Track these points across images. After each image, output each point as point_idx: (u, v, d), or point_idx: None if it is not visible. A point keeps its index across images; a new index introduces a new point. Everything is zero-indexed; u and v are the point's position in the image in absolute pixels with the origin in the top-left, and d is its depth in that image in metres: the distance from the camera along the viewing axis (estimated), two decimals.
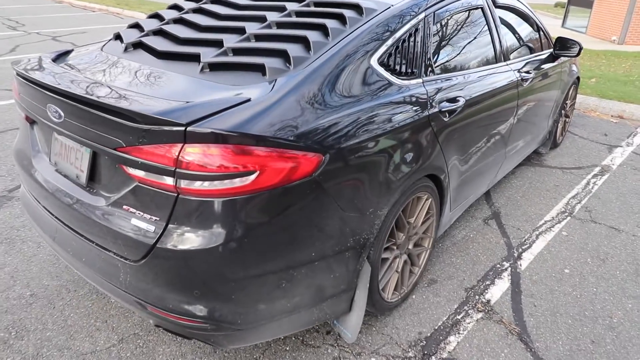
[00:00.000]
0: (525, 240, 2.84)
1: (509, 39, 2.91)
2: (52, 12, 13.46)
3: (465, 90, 2.30)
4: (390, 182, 1.83)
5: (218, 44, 1.86)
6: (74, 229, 1.71)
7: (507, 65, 2.81)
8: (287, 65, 1.68)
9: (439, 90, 2.12)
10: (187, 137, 1.37)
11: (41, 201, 1.87)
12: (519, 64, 2.96)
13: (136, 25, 2.25)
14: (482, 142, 2.55)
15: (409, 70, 2.01)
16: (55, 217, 1.79)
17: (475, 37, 2.56)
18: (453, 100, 2.19)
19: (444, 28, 2.28)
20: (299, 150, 1.49)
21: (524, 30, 3.25)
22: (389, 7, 2.00)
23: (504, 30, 2.83)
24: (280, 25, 1.93)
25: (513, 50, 2.98)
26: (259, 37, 1.86)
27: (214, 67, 1.73)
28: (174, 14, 2.27)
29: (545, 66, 3.35)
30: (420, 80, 2.05)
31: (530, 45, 3.29)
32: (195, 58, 1.79)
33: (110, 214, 1.57)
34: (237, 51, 1.79)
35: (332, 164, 1.57)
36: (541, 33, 3.47)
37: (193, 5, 2.31)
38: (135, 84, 1.65)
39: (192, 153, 1.37)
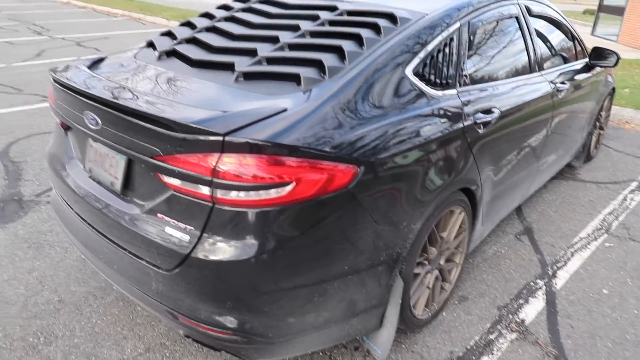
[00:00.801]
0: (560, 258, 2.74)
1: (543, 49, 2.84)
2: (75, 17, 13.79)
3: (499, 101, 2.24)
4: (424, 195, 1.78)
5: (252, 53, 1.84)
6: (107, 235, 1.70)
7: (541, 75, 2.74)
8: (322, 75, 1.65)
9: (473, 101, 2.06)
10: (224, 147, 1.34)
11: (74, 207, 1.87)
12: (553, 74, 2.88)
13: (168, 33, 2.25)
14: (515, 155, 2.48)
15: (444, 81, 1.96)
16: (88, 224, 1.79)
17: (509, 47, 2.49)
18: (488, 111, 2.13)
19: (479, 38, 2.22)
20: (335, 161, 1.45)
21: (559, 39, 3.17)
22: (424, 17, 1.96)
23: (538, 39, 2.76)
24: (314, 34, 1.91)
25: (548, 59, 2.90)
26: (293, 47, 1.84)
27: (249, 76, 1.71)
28: (206, 22, 2.27)
29: (581, 76, 3.26)
30: (454, 90, 2.00)
31: (565, 54, 3.21)
32: (230, 67, 1.78)
33: (144, 221, 1.55)
34: (271, 60, 1.77)
35: (367, 175, 1.53)
36: (576, 42, 3.38)
37: (225, 13, 2.31)
38: (171, 92, 1.64)
39: (229, 163, 1.35)
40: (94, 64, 2.05)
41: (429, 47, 1.89)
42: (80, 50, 8.56)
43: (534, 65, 2.68)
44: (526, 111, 2.47)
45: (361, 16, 1.98)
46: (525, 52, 2.61)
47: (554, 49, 3.06)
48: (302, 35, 1.90)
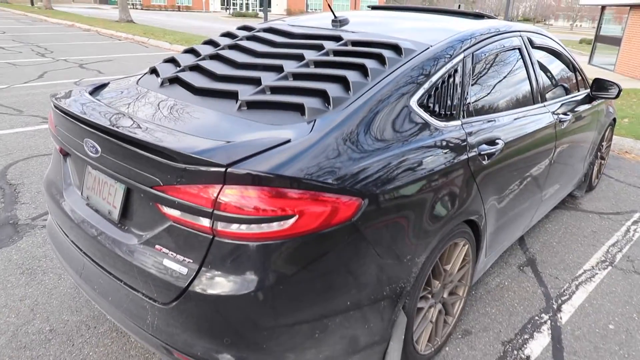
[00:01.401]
0: (564, 291, 2.69)
1: (545, 80, 2.85)
2: (80, 39, 13.96)
3: (503, 133, 2.23)
4: (429, 228, 1.74)
5: (255, 81, 1.83)
6: (102, 266, 1.65)
7: (544, 106, 2.74)
8: (327, 105, 1.64)
9: (477, 132, 2.05)
10: (226, 178, 1.32)
11: (69, 235, 1.82)
12: (556, 105, 2.89)
13: (172, 60, 2.25)
14: (519, 186, 2.45)
15: (448, 112, 1.95)
16: (83, 253, 1.74)
17: (512, 78, 2.50)
18: (492, 142, 2.11)
19: (483, 69, 2.23)
20: (339, 193, 1.43)
21: (560, 70, 3.18)
22: (428, 48, 1.96)
23: (540, 70, 2.77)
24: (318, 64, 1.90)
25: (550, 90, 2.91)
26: (297, 76, 1.83)
27: (252, 105, 1.69)
28: (210, 49, 2.27)
29: (582, 107, 3.27)
30: (458, 122, 1.98)
31: (567, 85, 3.22)
32: (233, 95, 1.77)
33: (141, 253, 1.51)
34: (275, 90, 1.76)
35: (371, 208, 1.50)
36: (577, 73, 3.40)
37: (229, 41, 2.31)
38: (173, 120, 1.62)
39: (231, 195, 1.32)
40: (96, 90, 2.04)
41: (433, 79, 1.89)
42: (83, 72, 8.63)
43: (537, 96, 2.68)
44: (529, 142, 2.46)
45: (366, 47, 1.98)
46: (528, 83, 2.61)
47: (556, 80, 3.08)
48: (306, 65, 1.90)
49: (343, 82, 1.74)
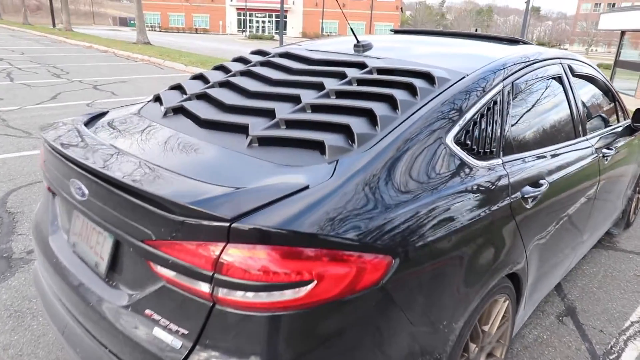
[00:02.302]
0: (611, 348, 2.38)
1: (586, 111, 2.59)
2: (96, 61, 14.06)
3: (547, 172, 1.98)
4: (469, 287, 1.49)
5: (269, 113, 1.62)
6: (85, 327, 1.42)
7: (586, 140, 2.48)
8: (351, 143, 1.41)
9: (519, 171, 1.80)
10: (231, 235, 1.08)
11: (54, 286, 1.60)
12: (598, 138, 2.63)
13: (178, 87, 2.06)
14: (561, 228, 2.18)
15: (487, 150, 1.70)
16: (67, 309, 1.51)
17: (554, 110, 2.26)
18: (535, 183, 1.86)
19: (523, 100, 1.99)
20: (365, 251, 1.18)
21: (601, 99, 2.93)
22: (464, 77, 1.73)
23: (581, 101, 2.53)
24: (340, 94, 1.68)
25: (591, 122, 2.65)
26: (316, 108, 1.61)
27: (264, 141, 1.47)
28: (220, 75, 2.07)
29: (623, 140, 3.00)
30: (499, 160, 1.74)
31: (607, 116, 2.97)
32: (243, 129, 1.55)
33: (129, 316, 1.28)
34: (291, 124, 1.54)
35: (403, 267, 1.26)
36: (617, 102, 3.15)
37: (241, 67, 2.11)
38: (172, 159, 1.40)
39: (236, 255, 1.08)
40: (92, 120, 1.85)
41: (471, 112, 1.65)
42: (97, 93, 8.57)
43: (579, 129, 2.43)
44: (574, 180, 2.20)
45: (393, 75, 1.76)
46: (570, 115, 2.36)
47: (597, 110, 2.83)
48: (327, 95, 1.68)
49: (369, 115, 1.51)
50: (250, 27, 59.34)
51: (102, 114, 1.97)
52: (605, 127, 2.85)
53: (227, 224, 1.08)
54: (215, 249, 1.09)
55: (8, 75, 10.27)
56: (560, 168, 2.08)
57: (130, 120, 1.81)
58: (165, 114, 1.81)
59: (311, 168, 1.33)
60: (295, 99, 1.68)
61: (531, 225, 1.84)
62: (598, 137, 2.64)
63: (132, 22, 55.35)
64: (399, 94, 1.59)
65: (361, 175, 1.29)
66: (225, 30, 60.18)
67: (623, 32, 14.62)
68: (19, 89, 8.62)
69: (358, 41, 2.16)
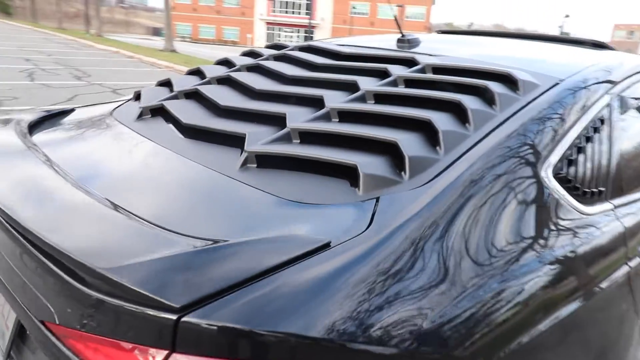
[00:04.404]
0: None
1: None
2: (120, 66, 13.95)
3: None
4: None
5: (277, 120, 1.12)
6: None
7: None
8: (399, 172, 0.91)
9: (637, 224, 1.25)
10: (178, 339, 0.58)
11: None
12: None
13: (166, 83, 1.59)
14: None
15: (594, 189, 1.17)
16: None
17: None
18: None
19: (631, 120, 1.45)
20: None
21: None
22: (558, 84, 1.21)
23: None
24: (381, 98, 1.18)
25: None
26: (345, 115, 1.11)
27: (265, 161, 0.98)
28: (222, 70, 1.59)
29: None
30: (609, 205, 1.20)
31: None
32: (238, 142, 1.05)
33: None
34: (307, 136, 1.04)
35: None
36: None
37: (249, 61, 1.63)
38: (121, 187, 0.92)
39: None
40: (43, 121, 1.38)
41: (573, 132, 1.13)
42: (114, 97, 8.29)
43: None
44: None
45: (457, 75, 1.24)
46: None
47: None
48: (362, 99, 1.17)
49: (425, 130, 1.00)
50: (278, 41, 59.70)
51: (65, 112, 1.51)
52: None
53: (173, 317, 0.58)
54: (151, 358, 0.59)
55: (30, 75, 10.13)
56: None
57: (94, 124, 1.35)
58: (140, 116, 1.34)
59: (335, 209, 0.82)
60: (316, 102, 1.18)
61: None
62: None
63: (163, 32, 56.40)
64: (469, 102, 1.07)
65: (417, 228, 0.78)
66: (253, 43, 60.75)
67: None
68: (37, 89, 8.41)
69: (403, 35, 1.66)
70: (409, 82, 1.23)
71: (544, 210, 0.99)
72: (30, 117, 1.34)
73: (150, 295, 0.58)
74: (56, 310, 0.69)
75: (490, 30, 2.59)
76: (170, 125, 1.23)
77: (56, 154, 1.05)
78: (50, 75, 10.40)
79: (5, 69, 10.55)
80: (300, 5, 57.72)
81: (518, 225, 0.91)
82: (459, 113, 1.06)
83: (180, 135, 1.17)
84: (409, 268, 0.72)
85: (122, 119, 1.36)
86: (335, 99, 1.16)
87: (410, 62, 1.36)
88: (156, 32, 65.24)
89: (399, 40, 1.65)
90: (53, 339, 0.69)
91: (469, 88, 1.15)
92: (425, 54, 1.46)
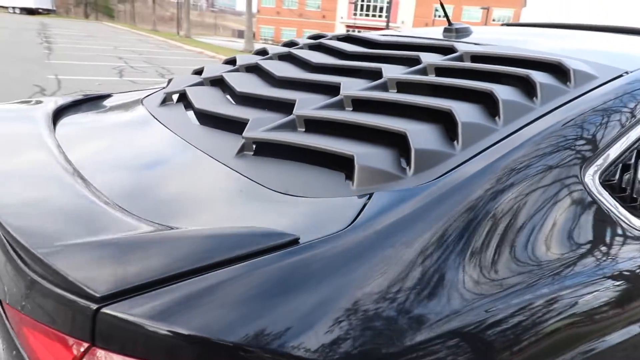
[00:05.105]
0: None
1: None
2: (202, 65, 14.63)
3: None
4: None
5: (286, 107, 1.04)
6: None
7: None
8: (404, 165, 0.79)
9: None
10: (97, 331, 0.52)
11: None
12: None
13: (199, 72, 1.57)
14: None
15: None
16: None
17: None
18: None
19: None
20: None
21: None
22: (621, 75, 1.02)
23: None
24: (404, 86, 1.06)
25: None
26: (359, 104, 1.00)
27: (263, 149, 0.91)
28: (256, 59, 1.55)
29: None
30: None
31: None
32: (240, 128, 0.99)
33: None
34: (313, 124, 0.95)
35: None
36: None
37: (283, 50, 1.56)
38: (105, 172, 0.89)
39: None
40: (75, 106, 1.41)
41: (634, 134, 0.94)
42: None
43: None
44: None
45: (497, 63, 1.09)
46: None
47: None
48: (383, 87, 1.06)
49: (445, 122, 0.88)
50: None
51: (100, 97, 1.54)
52: None
53: (92, 308, 0.51)
54: (67, 353, 0.54)
55: (120, 72, 10.93)
56: None
57: (117, 109, 1.36)
58: (164, 102, 1.33)
59: (320, 203, 0.73)
60: (332, 90, 1.08)
61: None
62: None
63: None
64: (503, 92, 0.92)
65: (407, 233, 0.66)
66: None
67: None
68: (123, 85, 9.03)
69: (450, 23, 1.51)
70: (441, 71, 1.10)
71: (586, 216, 0.83)
72: (62, 100, 1.38)
73: (73, 281, 0.52)
74: (7, 289, 0.66)
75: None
76: (185, 110, 1.20)
77: (61, 137, 1.05)
78: (138, 72, 11.15)
79: (100, 66, 11.46)
80: (382, 8, 57.24)
81: (545, 245, 0.76)
82: (489, 104, 0.91)
83: (193, 121, 1.14)
84: (382, 283, 0.60)
85: (148, 105, 1.35)
86: (353, 87, 1.06)
87: (448, 50, 1.22)
88: (241, 34, 68.09)
89: (445, 30, 1.52)
90: (4, 319, 0.67)
91: (506, 77, 1.00)
92: (470, 43, 1.31)
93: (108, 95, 1.56)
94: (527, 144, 0.82)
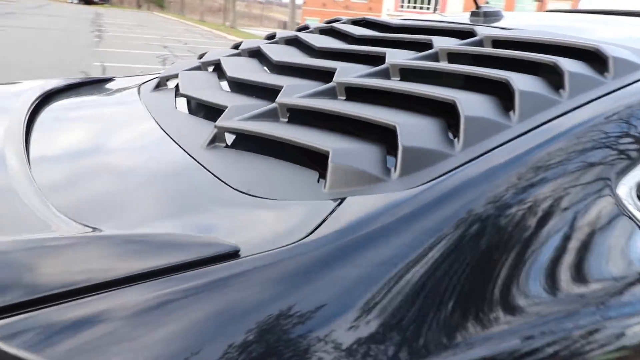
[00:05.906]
0: None
1: None
2: None
3: None
4: None
5: (270, 94, 0.92)
6: None
7: None
8: (389, 167, 0.66)
9: None
10: None
11: None
12: None
13: (203, 56, 1.48)
14: None
15: None
16: None
17: None
18: None
19: None
20: None
21: None
22: None
23: None
24: (408, 73, 0.91)
25: None
26: (353, 91, 0.87)
27: (237, 140, 0.80)
28: (260, 43, 1.44)
29: None
30: None
31: None
32: (216, 116, 0.88)
33: None
34: (297, 114, 0.83)
35: None
36: None
37: (292, 34, 1.45)
38: (57, 162, 0.80)
39: None
40: (76, 87, 1.34)
41: None
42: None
43: None
44: None
45: (520, 49, 0.92)
46: None
47: None
48: (383, 73, 0.92)
49: (447, 115, 0.74)
50: None
51: (101, 80, 1.48)
52: None
53: None
54: None
55: (163, 60, 11.14)
56: None
57: (112, 94, 1.29)
58: (157, 86, 1.24)
59: (283, 206, 0.61)
60: (326, 75, 0.96)
61: None
62: None
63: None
64: (522, 82, 0.77)
65: (382, 247, 0.54)
66: None
67: None
68: None
69: (478, 7, 1.34)
70: (454, 56, 0.95)
71: (619, 239, 0.67)
72: (53, 83, 1.32)
73: None
74: None
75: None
76: (171, 95, 1.11)
77: (32, 123, 0.98)
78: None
79: (145, 54, 11.74)
80: (429, 0, 55.91)
81: (562, 275, 0.61)
82: (505, 97, 0.76)
83: (178, 107, 1.05)
84: (334, 312, 0.48)
85: (142, 90, 1.27)
86: (348, 72, 0.93)
87: (466, 34, 1.07)
88: (286, 26, 68.44)
89: (472, 14, 1.35)
90: None
91: (530, 65, 0.84)
92: (496, 27, 1.15)
93: (109, 79, 1.50)
94: (545, 146, 0.67)
